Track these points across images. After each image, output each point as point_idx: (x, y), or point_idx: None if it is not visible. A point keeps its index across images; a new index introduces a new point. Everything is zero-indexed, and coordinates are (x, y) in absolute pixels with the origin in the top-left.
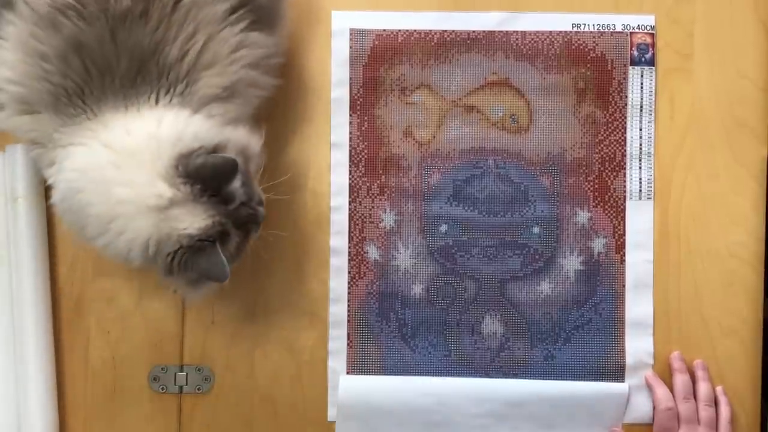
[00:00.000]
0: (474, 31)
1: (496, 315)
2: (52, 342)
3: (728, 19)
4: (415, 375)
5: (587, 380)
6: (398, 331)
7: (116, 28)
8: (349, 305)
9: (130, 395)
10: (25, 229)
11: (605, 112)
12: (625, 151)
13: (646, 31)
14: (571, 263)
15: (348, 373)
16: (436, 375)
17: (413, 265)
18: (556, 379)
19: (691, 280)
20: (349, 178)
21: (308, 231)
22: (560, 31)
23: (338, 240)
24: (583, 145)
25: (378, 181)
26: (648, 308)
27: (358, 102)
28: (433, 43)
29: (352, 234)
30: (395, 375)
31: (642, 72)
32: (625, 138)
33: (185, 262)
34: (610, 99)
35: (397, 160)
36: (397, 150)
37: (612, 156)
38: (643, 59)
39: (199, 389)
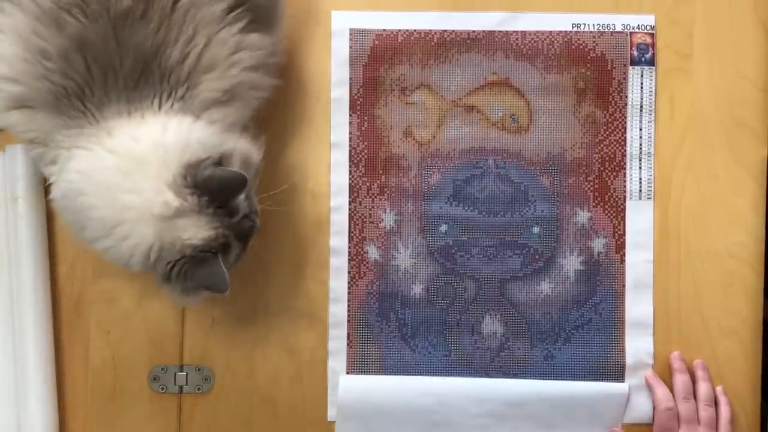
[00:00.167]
0: (474, 31)
1: (496, 315)
2: (52, 342)
3: (728, 19)
4: (415, 375)
5: (587, 380)
6: (398, 331)
7: (119, 27)
8: (349, 305)
9: (130, 395)
10: (25, 230)
11: (605, 112)
12: (625, 151)
13: (646, 31)
14: (571, 263)
15: (348, 373)
16: (436, 375)
17: (413, 265)
18: (556, 379)
19: (691, 281)
20: (349, 178)
21: (308, 231)
22: (560, 31)
23: (338, 240)
24: (583, 145)
25: (378, 181)
26: (648, 308)
27: (358, 102)
28: (433, 43)
29: (352, 234)
30: (395, 375)
31: (642, 72)
32: (625, 138)
33: (185, 272)
34: (610, 99)
35: (397, 160)
36: (397, 150)
37: (612, 156)
38: (643, 59)
39: (199, 389)
